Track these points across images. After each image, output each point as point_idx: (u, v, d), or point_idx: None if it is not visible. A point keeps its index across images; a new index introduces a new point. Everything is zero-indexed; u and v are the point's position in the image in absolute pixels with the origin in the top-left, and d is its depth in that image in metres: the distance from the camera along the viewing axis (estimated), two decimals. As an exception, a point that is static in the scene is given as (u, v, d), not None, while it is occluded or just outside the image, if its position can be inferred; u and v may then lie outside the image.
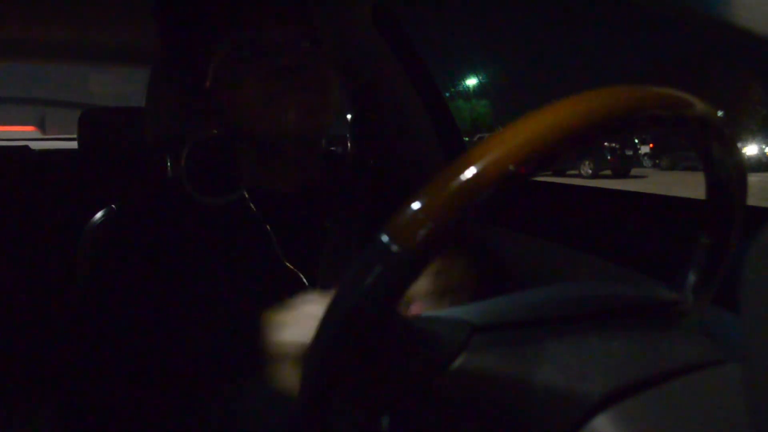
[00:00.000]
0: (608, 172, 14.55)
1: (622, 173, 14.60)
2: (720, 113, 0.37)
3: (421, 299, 0.58)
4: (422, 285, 0.58)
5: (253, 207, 0.72)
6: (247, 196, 0.73)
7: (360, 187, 0.80)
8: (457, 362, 0.35)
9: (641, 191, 1.05)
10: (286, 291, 0.69)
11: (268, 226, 0.71)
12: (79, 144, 1.52)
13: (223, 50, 0.68)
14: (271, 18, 0.69)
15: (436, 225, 0.30)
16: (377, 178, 0.83)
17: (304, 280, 0.70)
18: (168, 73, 0.86)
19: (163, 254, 0.68)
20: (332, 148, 0.84)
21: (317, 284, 0.71)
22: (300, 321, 0.53)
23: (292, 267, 0.70)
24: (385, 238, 0.30)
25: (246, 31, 0.68)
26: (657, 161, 17.10)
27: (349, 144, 0.80)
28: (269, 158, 0.73)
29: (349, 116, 0.79)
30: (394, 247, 0.30)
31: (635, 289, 0.44)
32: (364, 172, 0.82)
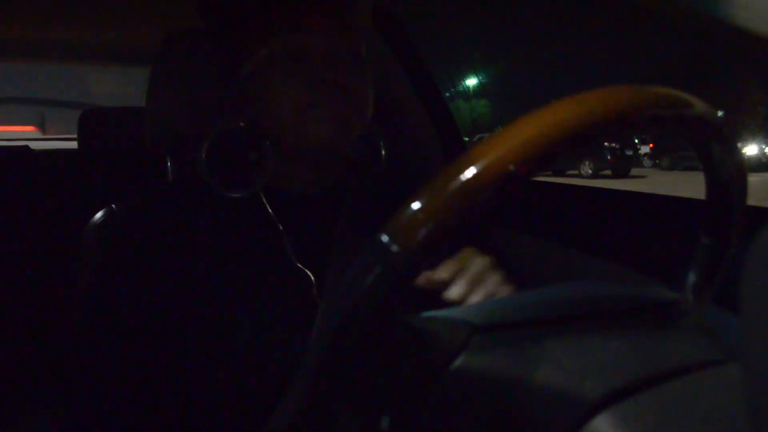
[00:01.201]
0: (608, 172, 14.55)
1: (622, 173, 14.61)
2: (720, 113, 0.37)
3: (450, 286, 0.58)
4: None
5: (268, 206, 0.72)
6: (262, 195, 0.72)
7: (372, 190, 0.80)
8: (457, 362, 0.35)
9: (641, 191, 1.05)
10: (294, 292, 0.69)
11: (280, 226, 0.71)
12: (79, 144, 1.52)
13: (267, 49, 0.67)
14: (318, 26, 0.67)
15: (436, 225, 0.30)
16: (380, 180, 0.83)
17: (312, 281, 0.70)
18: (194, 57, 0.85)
19: (164, 254, 0.68)
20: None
21: (326, 286, 0.70)
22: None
23: (302, 267, 0.70)
24: (385, 238, 0.30)
25: (292, 35, 0.67)
26: (657, 161, 17.12)
27: (382, 150, 0.79)
28: (290, 160, 0.72)
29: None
30: (394, 247, 0.30)
31: (635, 289, 0.44)
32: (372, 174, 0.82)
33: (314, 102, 0.66)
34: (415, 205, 0.30)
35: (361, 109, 0.70)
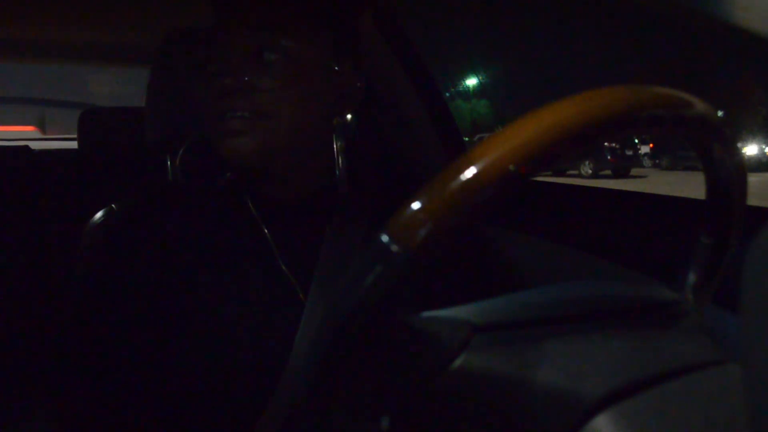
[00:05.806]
0: (608, 172, 14.55)
1: (622, 173, 14.61)
2: (720, 113, 0.37)
3: None
4: None
5: (253, 210, 0.71)
6: (249, 200, 0.72)
7: (361, 194, 0.79)
8: (457, 362, 0.35)
9: (641, 191, 1.05)
10: (281, 295, 0.69)
11: (266, 231, 0.71)
12: (79, 144, 1.52)
13: (197, 60, 0.66)
14: (225, 31, 0.64)
15: (436, 225, 0.30)
16: (378, 181, 0.82)
17: (297, 286, 0.69)
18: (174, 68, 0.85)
19: (162, 255, 0.68)
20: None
21: (311, 289, 0.70)
22: None
23: (286, 271, 0.69)
24: (385, 238, 0.31)
25: (211, 44, 0.65)
26: (657, 161, 17.11)
27: (339, 161, 0.72)
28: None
29: (349, 116, 0.76)
30: (394, 247, 0.30)
31: (635, 289, 0.44)
32: (364, 177, 0.80)
33: (222, 112, 0.63)
34: (415, 205, 0.30)
35: (274, 110, 0.64)
